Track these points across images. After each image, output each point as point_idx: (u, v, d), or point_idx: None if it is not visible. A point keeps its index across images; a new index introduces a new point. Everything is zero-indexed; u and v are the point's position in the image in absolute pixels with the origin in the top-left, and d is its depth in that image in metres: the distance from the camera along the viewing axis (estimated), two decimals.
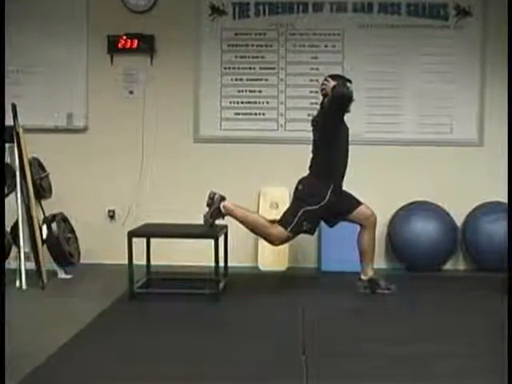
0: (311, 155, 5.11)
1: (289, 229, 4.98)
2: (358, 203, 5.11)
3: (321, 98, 5.18)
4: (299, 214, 4.96)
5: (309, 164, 5.11)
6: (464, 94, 6.29)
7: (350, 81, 5.10)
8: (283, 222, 5.03)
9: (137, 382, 3.18)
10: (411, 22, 6.26)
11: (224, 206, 5.04)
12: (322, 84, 5.11)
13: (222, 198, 5.07)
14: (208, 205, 5.07)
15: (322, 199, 4.96)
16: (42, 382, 3.19)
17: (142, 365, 3.40)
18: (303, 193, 5.04)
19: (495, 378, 3.05)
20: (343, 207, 5.07)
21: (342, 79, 5.08)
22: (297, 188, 5.12)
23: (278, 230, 5.02)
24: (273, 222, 5.10)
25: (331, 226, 5.22)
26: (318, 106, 5.25)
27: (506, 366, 2.82)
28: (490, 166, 6.15)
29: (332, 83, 4.99)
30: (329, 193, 4.96)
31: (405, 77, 6.31)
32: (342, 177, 5.10)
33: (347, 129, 5.10)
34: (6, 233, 5.35)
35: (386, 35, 6.28)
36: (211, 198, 5.07)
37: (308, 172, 5.11)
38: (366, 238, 5.12)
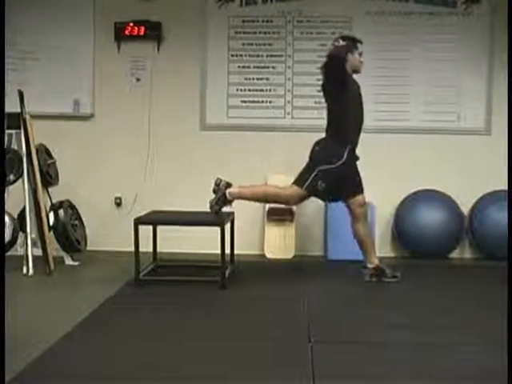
0: (327, 119, 5.11)
1: (304, 186, 4.97)
2: (362, 191, 5.10)
3: None
4: (315, 172, 4.95)
5: (325, 127, 5.11)
6: (472, 82, 6.26)
7: (360, 41, 5.07)
8: (298, 180, 5.04)
9: (139, 372, 3.17)
10: (419, 9, 6.23)
11: (230, 193, 5.02)
12: (332, 45, 5.10)
13: (228, 185, 5.03)
14: (214, 191, 5.05)
15: (339, 159, 4.94)
16: (47, 369, 3.18)
17: (146, 354, 3.38)
18: (320, 153, 5.02)
19: (495, 376, 3.04)
20: (351, 184, 5.05)
21: (351, 40, 5.05)
22: (313, 150, 5.09)
23: (293, 189, 5.03)
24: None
25: (330, 201, 5.20)
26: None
27: (506, 365, 2.80)
28: (498, 155, 6.12)
29: (340, 43, 4.99)
30: (346, 152, 4.95)
31: (412, 64, 6.29)
32: (358, 135, 5.08)
33: (357, 86, 5.05)
34: (13, 219, 5.37)
35: (393, 22, 6.25)
36: (217, 184, 5.04)
37: (325, 135, 5.10)
38: (361, 228, 5.11)
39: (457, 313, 4.27)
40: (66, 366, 3.23)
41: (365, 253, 5.15)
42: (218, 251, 4.89)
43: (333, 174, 4.96)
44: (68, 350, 3.48)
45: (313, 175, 4.96)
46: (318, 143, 5.09)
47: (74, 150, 6.32)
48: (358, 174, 5.10)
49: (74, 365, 3.25)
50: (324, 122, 5.22)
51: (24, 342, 3.50)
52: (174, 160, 6.39)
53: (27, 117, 5.50)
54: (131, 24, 6.25)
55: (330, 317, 4.15)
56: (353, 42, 5.04)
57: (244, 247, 5.92)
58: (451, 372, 3.19)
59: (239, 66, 6.36)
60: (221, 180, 5.05)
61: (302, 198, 5.12)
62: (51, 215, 5.63)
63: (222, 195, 5.02)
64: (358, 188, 5.10)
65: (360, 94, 5.08)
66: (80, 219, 5.95)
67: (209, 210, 5.05)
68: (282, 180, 6.20)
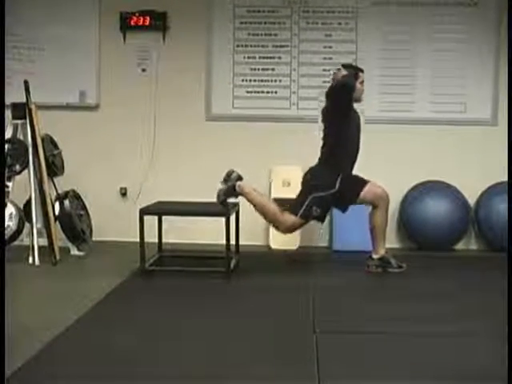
0: (321, 144, 5.09)
1: (298, 214, 4.96)
2: (364, 182, 5.04)
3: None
4: (308, 199, 4.95)
5: (319, 153, 5.09)
6: (478, 73, 6.23)
7: (361, 70, 5.06)
8: (292, 208, 5.02)
9: (143, 364, 3.15)
10: (425, 0, 6.20)
11: (239, 186, 5.03)
12: (334, 73, 5.10)
13: (239, 178, 5.05)
14: (224, 180, 5.07)
15: (330, 188, 4.94)
16: (52, 359, 3.19)
17: (148, 349, 3.35)
18: (312, 182, 5.02)
19: (495, 373, 3.03)
20: (351, 191, 5.02)
21: (353, 69, 5.06)
22: (305, 177, 5.11)
23: (287, 217, 4.99)
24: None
25: (344, 211, 5.19)
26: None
27: (506, 365, 2.79)
28: (504, 146, 6.07)
29: (342, 73, 4.98)
30: (338, 182, 4.94)
31: (418, 55, 6.26)
32: (352, 165, 5.07)
33: (358, 117, 5.07)
34: (19, 209, 5.38)
35: (399, 13, 6.21)
36: (229, 175, 5.06)
37: (317, 161, 5.09)
38: (378, 217, 5.08)
39: (459, 303, 4.26)
40: (70, 357, 3.23)
41: (373, 241, 5.13)
42: (223, 242, 4.90)
43: (326, 200, 4.98)
44: (73, 340, 3.48)
45: (306, 202, 4.95)
46: (309, 171, 5.11)
47: (80, 141, 6.32)
48: (351, 179, 5.04)
49: (79, 355, 3.25)
50: None
51: (28, 332, 3.51)
52: (179, 150, 6.39)
53: (33, 107, 5.51)
54: (137, 14, 6.24)
55: (334, 307, 4.16)
56: (354, 71, 5.03)
57: (249, 238, 5.92)
58: (451, 366, 3.17)
59: (244, 57, 6.34)
60: (233, 171, 5.07)
61: (296, 227, 5.09)
62: (57, 205, 5.64)
63: (232, 186, 5.04)
64: (358, 185, 5.03)
65: (359, 125, 5.08)
66: (85, 209, 5.96)
67: (215, 199, 5.05)
68: (287, 170, 6.22)
